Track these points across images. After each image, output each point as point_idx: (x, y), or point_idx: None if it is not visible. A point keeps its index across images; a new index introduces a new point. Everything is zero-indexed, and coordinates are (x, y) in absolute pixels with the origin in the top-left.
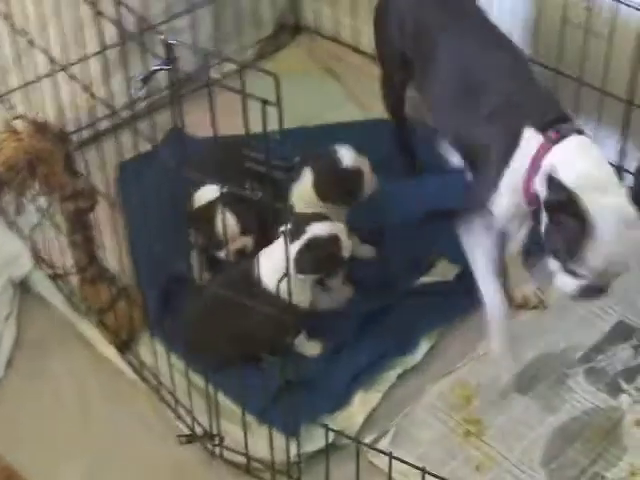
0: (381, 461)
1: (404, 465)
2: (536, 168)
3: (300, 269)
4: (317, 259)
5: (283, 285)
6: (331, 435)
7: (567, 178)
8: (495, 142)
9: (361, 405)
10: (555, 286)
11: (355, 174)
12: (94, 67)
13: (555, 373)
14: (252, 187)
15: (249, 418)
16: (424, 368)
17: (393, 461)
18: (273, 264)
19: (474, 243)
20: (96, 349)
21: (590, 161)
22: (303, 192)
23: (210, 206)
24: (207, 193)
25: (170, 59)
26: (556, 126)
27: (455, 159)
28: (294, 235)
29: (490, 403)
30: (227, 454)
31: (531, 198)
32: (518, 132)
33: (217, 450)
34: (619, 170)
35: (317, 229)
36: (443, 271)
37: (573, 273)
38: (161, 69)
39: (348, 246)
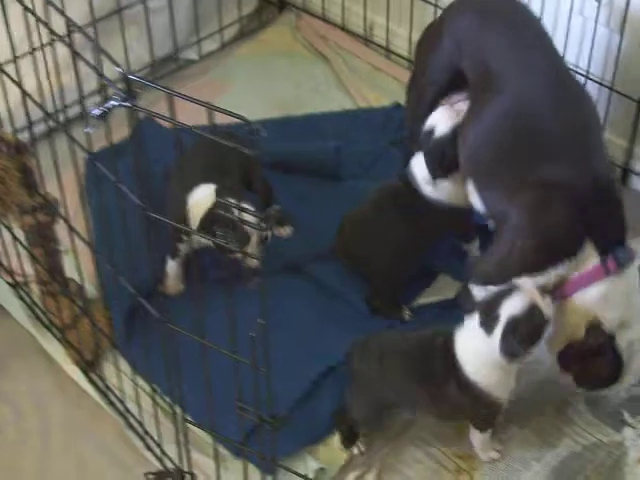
0: None
1: None
2: (582, 286)
3: (510, 356)
4: (525, 339)
5: (486, 378)
6: (312, 470)
7: (605, 319)
8: (540, 234)
9: None
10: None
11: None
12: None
13: (555, 402)
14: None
15: (224, 451)
16: None
17: None
18: (477, 356)
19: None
20: (59, 367)
21: (630, 299)
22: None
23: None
24: (204, 194)
25: (130, 95)
26: (615, 252)
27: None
28: (489, 323)
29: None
30: None
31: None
32: (577, 241)
33: None
34: None
35: (512, 307)
36: (443, 287)
37: None
38: (120, 105)
39: (549, 307)
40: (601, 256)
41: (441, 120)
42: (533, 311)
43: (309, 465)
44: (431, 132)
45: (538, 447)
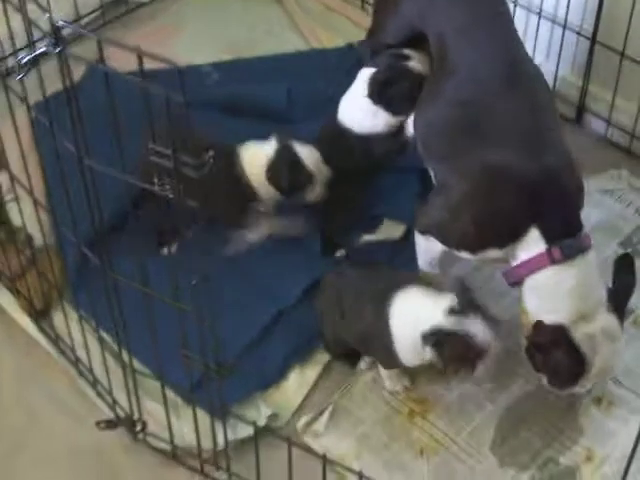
0: (318, 444)
1: (342, 447)
2: (527, 272)
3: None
4: (450, 354)
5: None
6: (264, 416)
7: (556, 312)
8: (481, 215)
9: (298, 381)
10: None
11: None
12: None
13: (507, 343)
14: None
15: (176, 397)
16: None
17: (330, 443)
18: (409, 321)
19: (425, 247)
20: (9, 317)
21: (582, 290)
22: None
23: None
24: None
25: (58, 41)
26: (563, 241)
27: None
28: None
29: (437, 379)
30: (152, 439)
31: (511, 282)
32: (520, 226)
33: (140, 435)
34: None
35: (473, 326)
36: (389, 230)
37: None
38: (47, 52)
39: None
40: (547, 244)
41: (416, 58)
42: (466, 343)
43: (261, 411)
44: (403, 57)
45: (491, 388)
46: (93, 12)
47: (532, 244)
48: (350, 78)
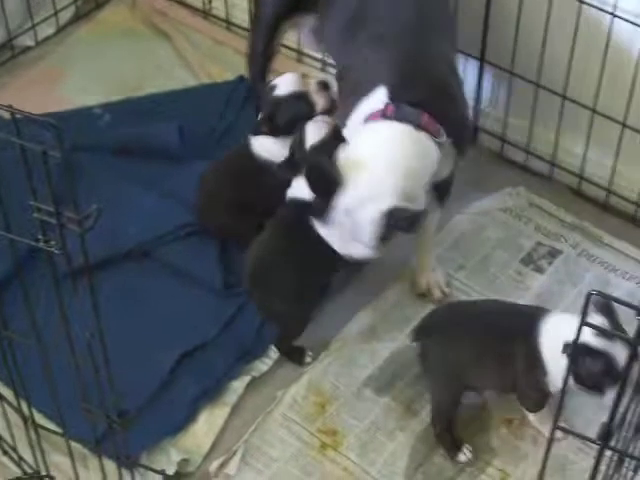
0: None
1: None
2: (361, 118)
3: None
4: (589, 369)
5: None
6: (174, 461)
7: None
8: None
9: (208, 423)
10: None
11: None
12: None
13: (414, 369)
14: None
15: (83, 448)
16: (275, 371)
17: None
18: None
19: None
20: None
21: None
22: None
23: None
24: None
25: None
26: (403, 105)
27: None
28: None
29: (346, 409)
30: None
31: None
32: (373, 86)
33: None
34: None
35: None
36: None
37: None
38: None
39: None
40: (389, 101)
41: (284, 83)
42: None
43: (172, 457)
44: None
45: (401, 416)
46: None
47: (377, 99)
48: (242, 111)
